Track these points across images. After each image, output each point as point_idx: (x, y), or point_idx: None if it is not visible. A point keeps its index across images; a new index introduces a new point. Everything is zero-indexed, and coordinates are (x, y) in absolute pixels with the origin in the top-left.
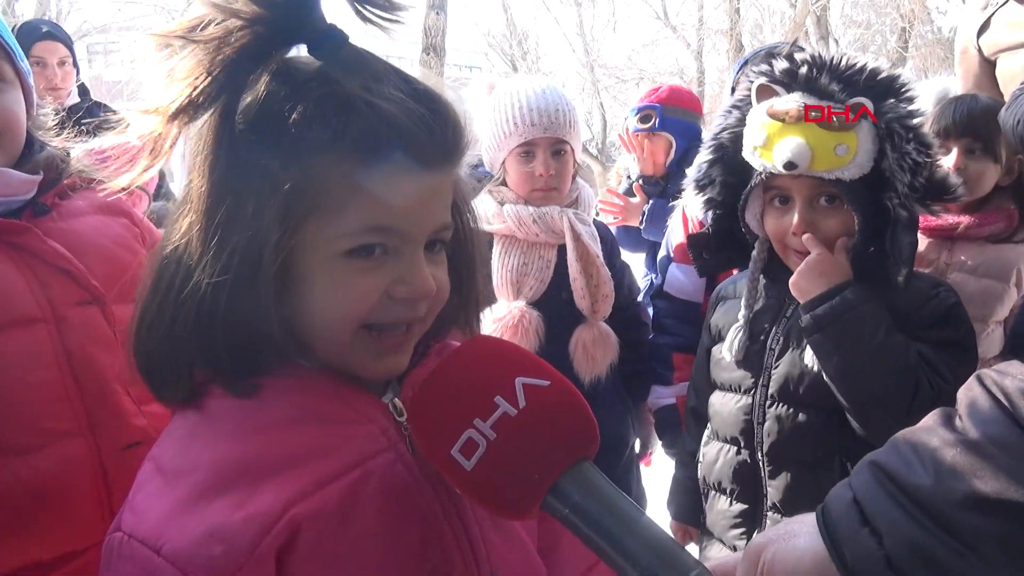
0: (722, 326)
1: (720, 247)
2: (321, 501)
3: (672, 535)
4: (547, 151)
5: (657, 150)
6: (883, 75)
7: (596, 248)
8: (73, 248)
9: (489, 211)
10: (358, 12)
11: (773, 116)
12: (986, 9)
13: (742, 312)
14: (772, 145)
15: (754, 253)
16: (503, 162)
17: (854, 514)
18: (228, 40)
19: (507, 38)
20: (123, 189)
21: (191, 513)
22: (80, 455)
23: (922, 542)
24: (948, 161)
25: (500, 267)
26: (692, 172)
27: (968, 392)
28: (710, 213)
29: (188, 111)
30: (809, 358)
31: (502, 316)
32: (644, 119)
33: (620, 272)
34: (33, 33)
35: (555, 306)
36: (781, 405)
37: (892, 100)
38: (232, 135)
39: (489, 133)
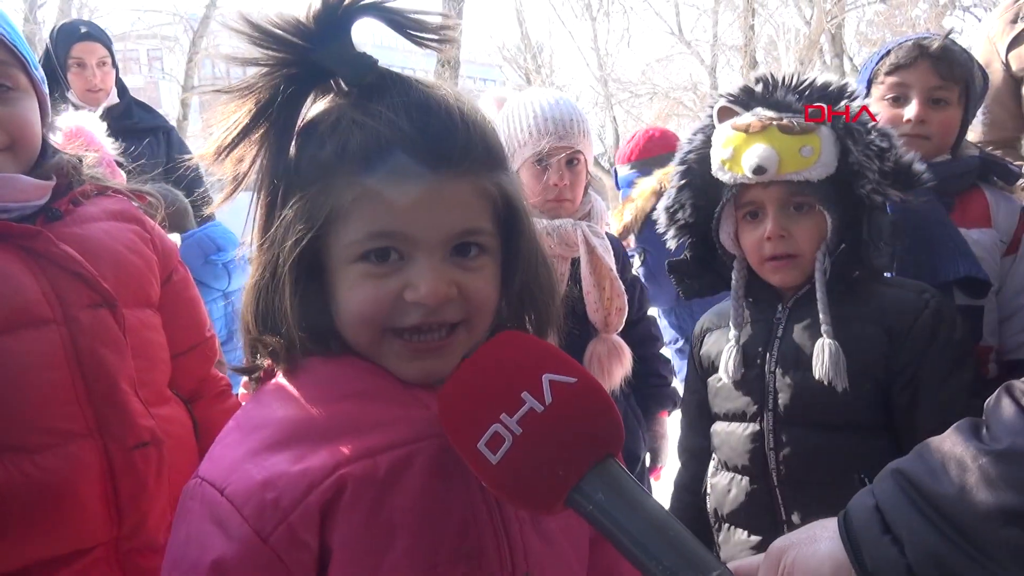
0: (713, 356)
1: (700, 272)
2: (369, 467)
3: None
4: (561, 161)
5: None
6: (833, 86)
7: (610, 261)
8: (85, 252)
9: None
10: (411, 38)
11: (737, 129)
12: (1017, 23)
13: (732, 333)
14: (739, 156)
15: (734, 272)
16: (517, 172)
17: (876, 521)
18: (259, 85)
19: (521, 51)
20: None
21: (255, 462)
22: (87, 455)
23: (944, 552)
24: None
25: None
26: (663, 201)
27: (996, 402)
28: (683, 241)
29: (231, 148)
30: (820, 373)
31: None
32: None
33: (631, 286)
34: (72, 34)
35: (570, 321)
36: (792, 428)
37: (844, 102)
38: (277, 161)
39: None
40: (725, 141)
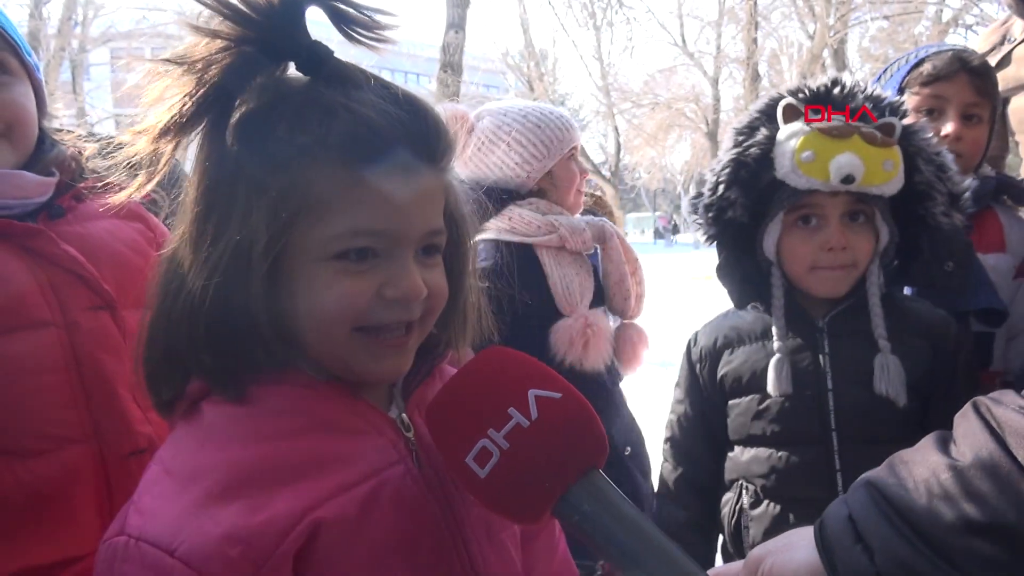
0: (745, 375)
1: (742, 280)
2: (341, 506)
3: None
4: (578, 154)
5: None
6: (888, 100)
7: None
8: (87, 252)
9: (532, 222)
10: (346, 34)
11: (820, 131)
12: (1004, 44)
13: (777, 344)
14: (824, 160)
15: (773, 280)
16: (550, 171)
17: (849, 530)
18: (212, 61)
19: (525, 59)
20: (120, 204)
21: (206, 515)
22: (83, 461)
23: (912, 561)
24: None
25: (559, 279)
26: (702, 198)
27: (963, 418)
28: (715, 244)
29: (174, 131)
30: (881, 388)
31: (576, 325)
32: None
33: None
34: None
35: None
36: (858, 447)
37: (912, 123)
38: (220, 148)
39: (523, 152)
40: (804, 143)
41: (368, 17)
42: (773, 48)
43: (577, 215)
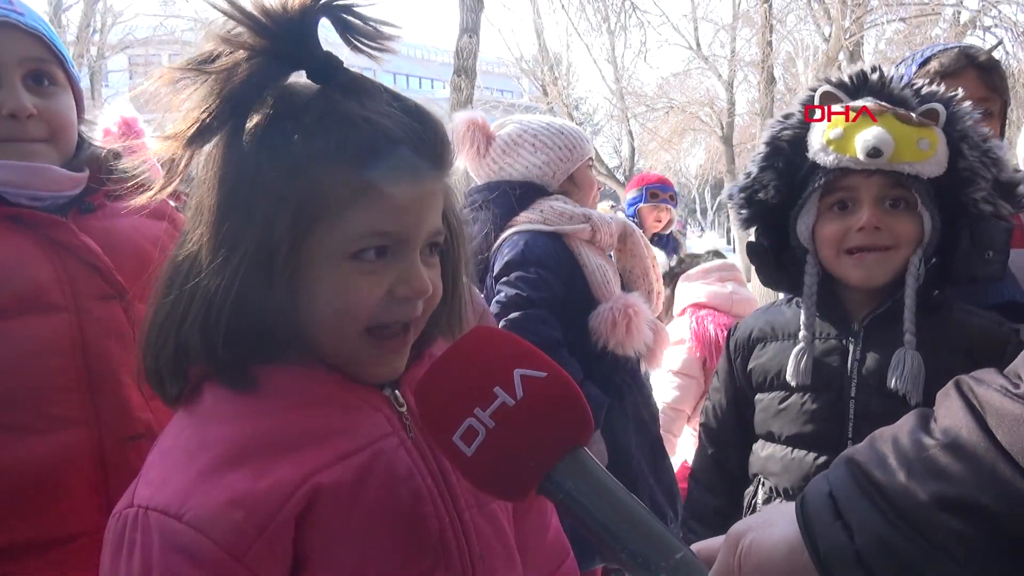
0: (772, 371)
1: (776, 264)
2: (340, 473)
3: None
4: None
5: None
6: (941, 93)
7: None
8: (108, 244)
9: (566, 212)
10: (348, 43)
11: (852, 109)
12: None
13: (803, 334)
14: (851, 137)
15: (807, 267)
16: (571, 175)
17: (829, 507)
18: (236, 70)
19: (539, 63)
20: (144, 204)
21: (211, 483)
22: (81, 444)
23: (891, 538)
24: None
25: (595, 268)
26: (738, 181)
27: (945, 397)
28: (751, 229)
29: (202, 135)
30: (895, 383)
31: (620, 306)
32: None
33: None
34: None
35: None
36: None
37: (960, 107)
38: (240, 153)
39: (549, 155)
40: (835, 120)
41: (373, 28)
42: (788, 51)
43: (607, 214)
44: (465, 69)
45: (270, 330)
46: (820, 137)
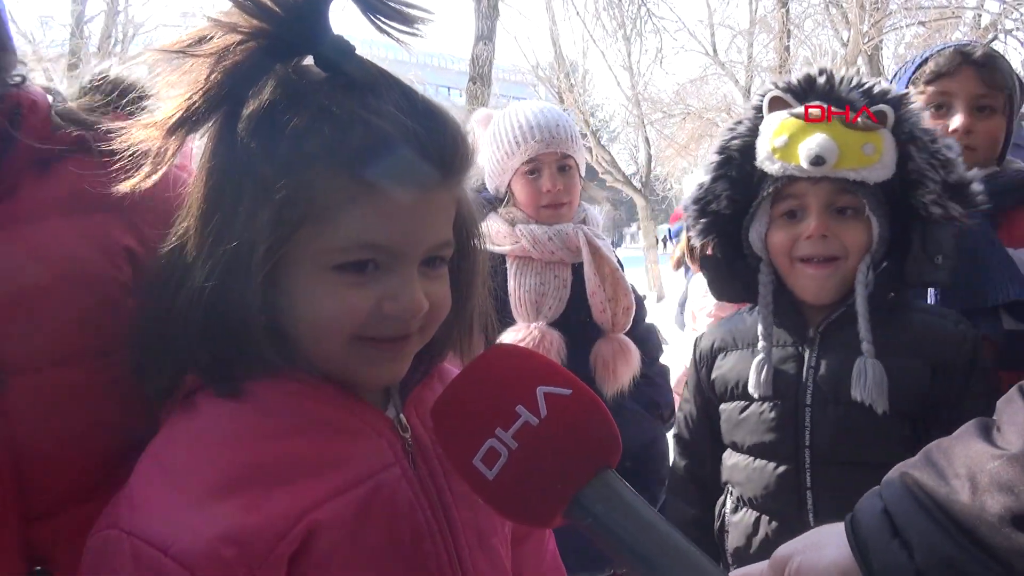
0: (732, 380)
1: (730, 275)
2: (338, 509)
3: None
4: (552, 166)
5: None
6: (892, 93)
7: (614, 260)
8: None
9: (500, 232)
10: (376, 24)
11: (796, 115)
12: None
13: (761, 344)
14: (795, 144)
15: (761, 277)
16: (508, 184)
17: (885, 525)
18: (226, 55)
19: (555, 70)
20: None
21: (200, 513)
22: None
23: (955, 557)
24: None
25: (517, 288)
26: (692, 192)
27: (1009, 404)
28: (707, 240)
29: (185, 124)
30: (859, 395)
31: (522, 338)
32: None
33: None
34: None
35: (575, 326)
36: (830, 467)
37: (908, 109)
38: (231, 143)
39: (491, 157)
40: (779, 128)
41: (400, 7)
42: (806, 56)
43: (557, 225)
44: (481, 76)
45: (251, 332)
46: (766, 145)
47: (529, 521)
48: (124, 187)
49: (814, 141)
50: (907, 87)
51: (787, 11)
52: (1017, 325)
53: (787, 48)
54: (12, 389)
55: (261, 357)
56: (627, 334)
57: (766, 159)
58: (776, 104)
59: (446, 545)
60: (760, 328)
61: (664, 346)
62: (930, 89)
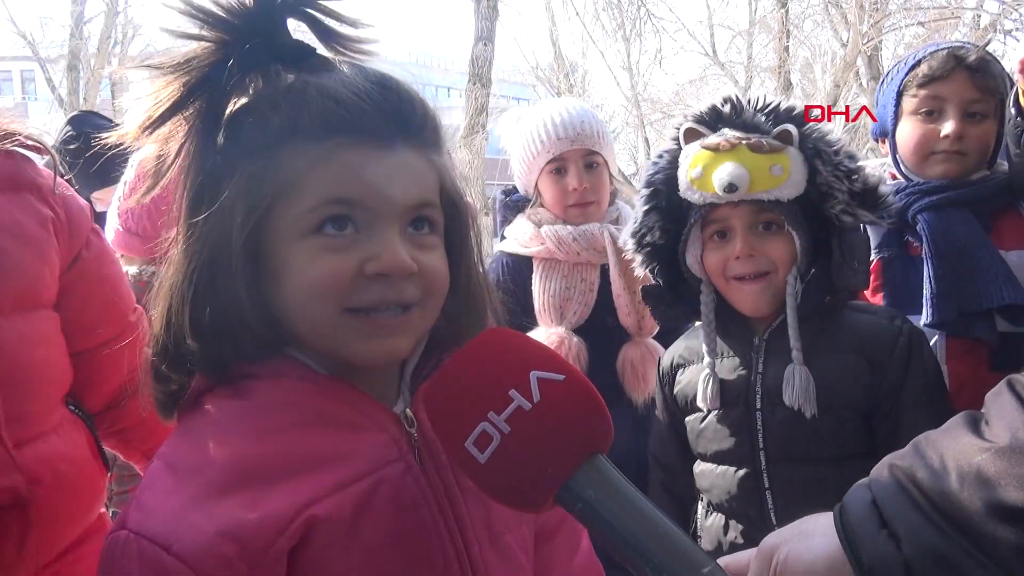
0: (691, 394)
1: (673, 300)
2: (336, 505)
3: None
4: (579, 164)
5: None
6: (797, 110)
7: None
8: None
9: (526, 234)
10: (330, 47)
11: (706, 148)
12: None
13: (707, 360)
14: (709, 174)
15: (702, 297)
16: (536, 184)
17: (873, 517)
18: (192, 63)
19: (555, 71)
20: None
21: (202, 511)
22: None
23: (943, 549)
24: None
25: (541, 292)
26: (629, 227)
27: (997, 397)
28: (650, 269)
29: (151, 127)
30: (789, 399)
31: (540, 338)
32: None
33: None
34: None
35: (601, 331)
36: (783, 465)
37: (810, 125)
38: (207, 146)
39: (519, 157)
40: (694, 160)
41: (351, 27)
42: (806, 57)
43: (583, 225)
44: (480, 77)
45: (242, 322)
46: (685, 177)
47: (519, 505)
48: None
49: (724, 171)
50: (900, 89)
51: (786, 12)
52: (1010, 327)
53: (786, 49)
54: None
55: (256, 346)
56: (657, 337)
57: (687, 189)
58: (691, 135)
59: (453, 541)
60: (704, 346)
61: None
62: (922, 93)
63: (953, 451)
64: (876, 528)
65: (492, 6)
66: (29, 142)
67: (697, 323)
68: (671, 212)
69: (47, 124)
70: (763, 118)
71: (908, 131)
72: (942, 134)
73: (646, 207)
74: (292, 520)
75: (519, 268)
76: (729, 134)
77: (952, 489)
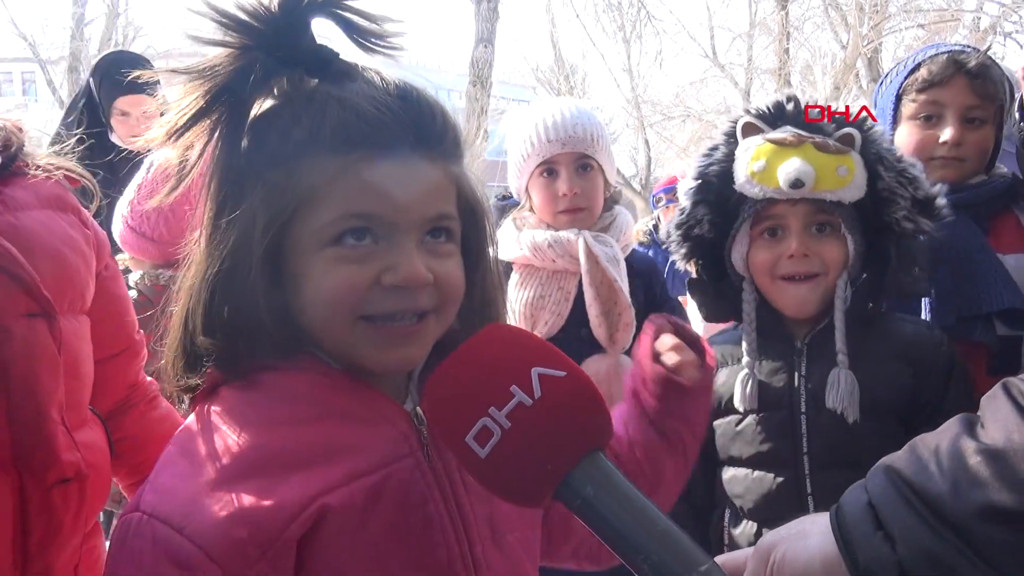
0: (722, 395)
1: (717, 296)
2: (349, 495)
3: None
4: (570, 168)
5: None
6: (856, 115)
7: (616, 272)
8: (20, 247)
9: (508, 239)
10: (359, 44)
11: (772, 142)
12: None
13: (746, 360)
14: (773, 169)
15: (744, 295)
16: (527, 187)
17: (869, 518)
18: (217, 69)
19: (555, 72)
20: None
21: (217, 496)
22: (1, 492)
23: (937, 550)
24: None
25: (516, 300)
26: (674, 218)
27: (992, 400)
28: (692, 263)
29: (179, 134)
30: (832, 402)
31: None
32: None
33: (660, 306)
34: (117, 86)
35: (573, 343)
36: (828, 471)
37: (871, 130)
38: (232, 151)
39: (512, 159)
40: (756, 154)
41: (375, 24)
42: (806, 59)
43: (560, 232)
44: (481, 79)
45: (258, 325)
46: (745, 170)
47: (519, 500)
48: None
49: (792, 165)
50: (898, 92)
51: (786, 14)
52: (1010, 331)
53: (786, 51)
54: (61, 329)
55: (272, 348)
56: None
57: (746, 183)
58: (749, 130)
59: (458, 538)
60: (744, 345)
61: None
62: (921, 98)
63: (948, 453)
64: (872, 529)
65: (493, 8)
66: (71, 175)
67: (721, 325)
68: (721, 206)
69: (47, 125)
70: (824, 120)
71: (906, 136)
72: (941, 140)
73: (695, 199)
74: (304, 508)
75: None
76: (794, 130)
77: (946, 491)
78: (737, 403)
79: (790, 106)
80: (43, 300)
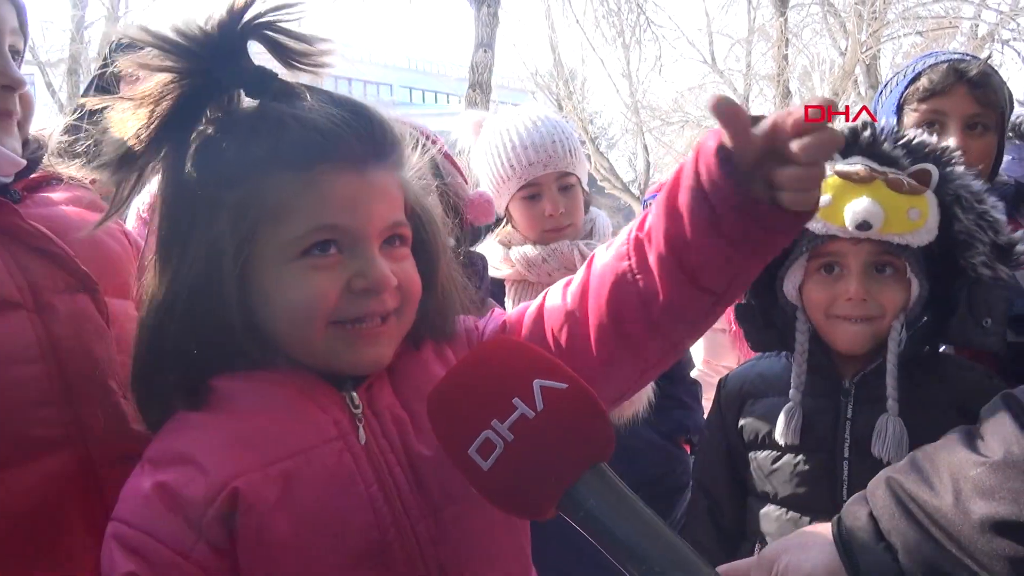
0: (760, 428)
1: (765, 324)
2: (260, 479)
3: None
4: (552, 189)
5: None
6: (932, 147)
7: None
8: (56, 231)
9: (496, 256)
10: (285, 63)
11: (840, 175)
12: None
13: (793, 392)
14: (840, 205)
15: (798, 325)
16: (507, 207)
17: (870, 529)
18: (163, 95)
19: (554, 77)
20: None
21: (157, 491)
22: (69, 469)
23: (937, 560)
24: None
25: None
26: None
27: (992, 412)
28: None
29: (131, 162)
30: (878, 451)
31: None
32: None
33: None
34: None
35: None
36: None
37: (952, 168)
38: (178, 174)
39: (487, 177)
40: (824, 186)
41: (304, 44)
42: (804, 65)
43: (553, 244)
44: (480, 83)
45: (230, 340)
46: None
47: (522, 513)
48: (85, 231)
49: (860, 205)
50: (900, 102)
51: (785, 20)
52: (1018, 338)
53: (785, 57)
54: (107, 304)
55: (241, 361)
56: None
57: None
58: None
59: (394, 514)
60: (793, 376)
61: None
62: (923, 107)
63: (949, 465)
64: (874, 540)
65: (493, 13)
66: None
67: (766, 353)
68: None
69: (46, 128)
70: (903, 151)
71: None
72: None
73: None
74: (219, 491)
75: (494, 292)
76: (866, 163)
77: (947, 502)
78: (778, 436)
79: (866, 133)
80: (80, 273)
